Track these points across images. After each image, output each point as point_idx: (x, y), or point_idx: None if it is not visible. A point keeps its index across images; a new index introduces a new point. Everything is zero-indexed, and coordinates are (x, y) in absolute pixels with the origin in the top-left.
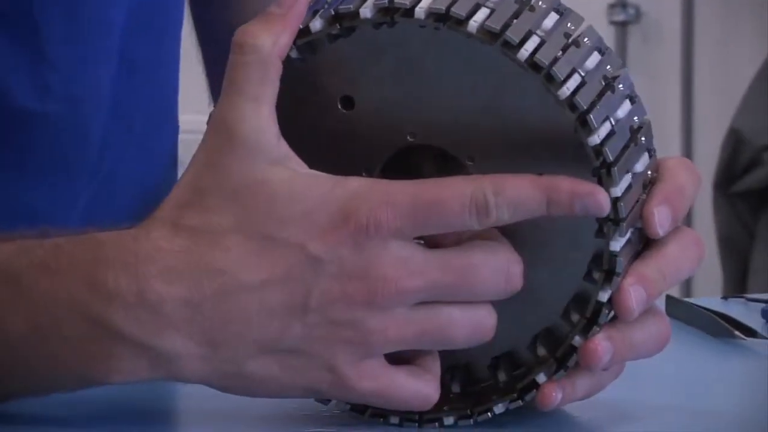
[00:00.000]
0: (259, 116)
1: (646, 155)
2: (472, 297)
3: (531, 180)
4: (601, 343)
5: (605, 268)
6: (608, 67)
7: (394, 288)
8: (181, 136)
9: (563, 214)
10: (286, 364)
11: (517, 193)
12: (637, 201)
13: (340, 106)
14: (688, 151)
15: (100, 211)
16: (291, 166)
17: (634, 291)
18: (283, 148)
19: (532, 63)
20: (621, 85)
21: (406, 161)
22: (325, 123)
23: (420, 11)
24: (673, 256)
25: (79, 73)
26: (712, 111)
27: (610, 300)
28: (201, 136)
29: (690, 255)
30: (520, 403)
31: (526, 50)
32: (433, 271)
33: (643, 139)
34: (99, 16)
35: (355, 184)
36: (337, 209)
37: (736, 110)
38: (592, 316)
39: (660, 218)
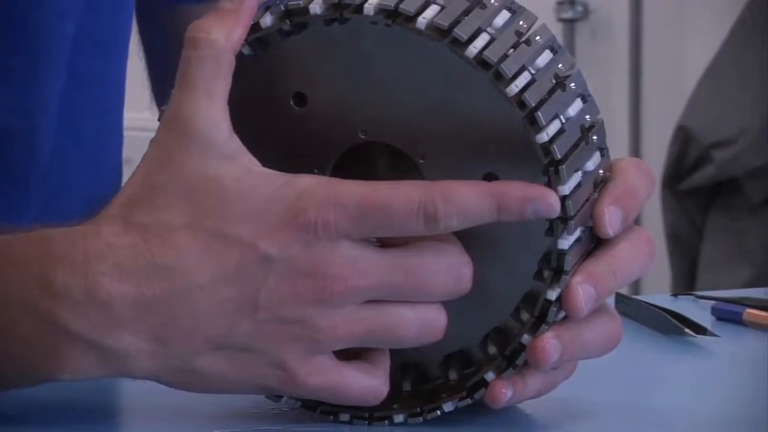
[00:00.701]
0: (212, 112)
1: (597, 154)
2: (421, 297)
3: (481, 187)
4: (550, 342)
5: (554, 266)
6: (560, 65)
7: (343, 286)
8: (125, 133)
9: (515, 219)
10: (235, 360)
11: (466, 202)
12: (588, 200)
13: (292, 103)
14: (636, 149)
15: (50, 221)
16: (243, 163)
17: (582, 289)
18: (236, 144)
19: (480, 60)
20: (573, 84)
21: (360, 158)
22: (278, 120)
23: (369, 8)
24: (624, 256)
25: (29, 85)
26: (660, 108)
27: (559, 299)
28: (145, 134)
29: (641, 254)
30: (469, 401)
31: (475, 47)
32: (382, 271)
33: (594, 137)
34: (48, 29)
35: (305, 182)
36: (287, 208)
37: (684, 108)
38: (540, 314)
39: (610, 218)
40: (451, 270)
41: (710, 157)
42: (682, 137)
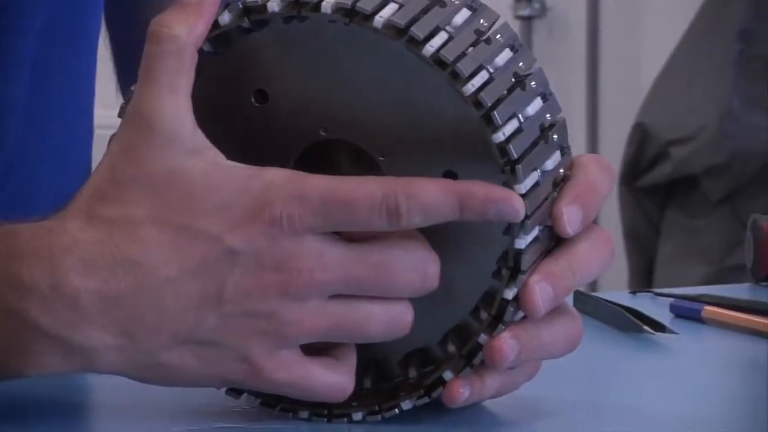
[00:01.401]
0: (176, 106)
1: (557, 153)
2: (387, 293)
3: (444, 185)
4: (507, 342)
5: (511, 265)
6: (520, 64)
7: (308, 280)
8: (98, 132)
9: (477, 219)
10: (201, 354)
11: (429, 198)
12: (546, 198)
13: (253, 100)
14: (593, 146)
15: (14, 218)
16: (208, 157)
17: (539, 288)
18: (200, 138)
19: (437, 59)
20: (533, 83)
21: (321, 156)
22: (239, 117)
23: (327, 6)
24: (583, 254)
25: None
26: (617, 105)
27: (516, 298)
28: (111, 131)
29: (600, 254)
30: (427, 399)
31: (432, 46)
32: (348, 265)
33: (555, 136)
34: (12, 21)
35: (271, 176)
36: (252, 201)
37: (642, 105)
38: (497, 314)
39: (570, 217)
40: (417, 267)
41: (668, 155)
42: (640, 134)
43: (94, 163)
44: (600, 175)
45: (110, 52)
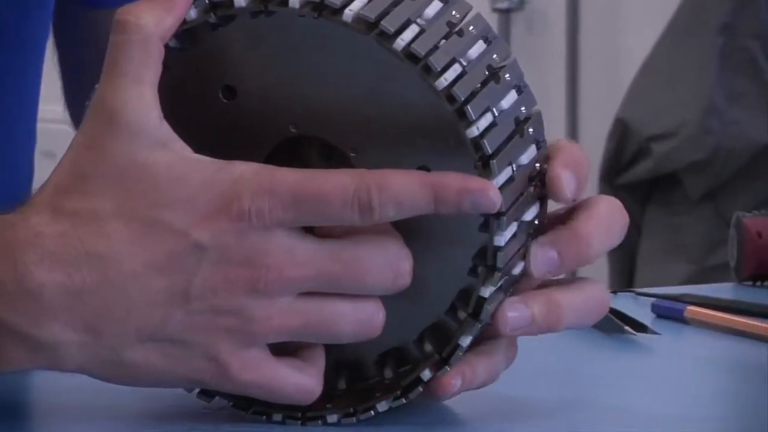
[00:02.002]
0: (142, 98)
1: (533, 147)
2: (359, 290)
3: (418, 177)
4: (515, 305)
5: (488, 263)
6: (494, 56)
7: (278, 276)
8: (42, 126)
9: (451, 211)
10: (167, 352)
11: (402, 191)
12: (522, 194)
13: (221, 96)
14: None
15: None
16: (175, 149)
17: (542, 250)
18: (166, 131)
19: (408, 53)
20: (508, 75)
21: (292, 152)
22: (207, 113)
23: (295, 0)
24: (591, 223)
25: None
26: (597, 101)
27: (493, 296)
28: (63, 126)
29: (612, 221)
30: (403, 401)
31: (403, 40)
32: (319, 261)
33: (530, 130)
34: None
35: (240, 169)
36: (220, 194)
37: (622, 100)
38: (474, 312)
39: (568, 180)
40: (390, 263)
41: (649, 151)
42: (620, 130)
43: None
44: (580, 153)
45: (59, 71)
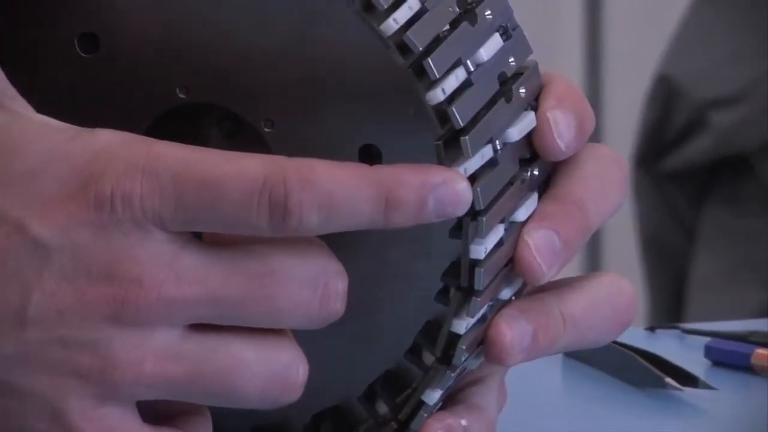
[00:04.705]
0: None
1: (528, 116)
2: (270, 322)
3: (360, 171)
4: (509, 321)
5: (463, 284)
6: None
7: (154, 297)
8: None
9: (409, 221)
10: None
11: (335, 188)
12: (510, 183)
13: (77, 48)
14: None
15: None
16: (12, 109)
17: (535, 238)
18: (1, 86)
19: None
20: (488, 12)
21: (183, 126)
22: (61, 72)
23: None
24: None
25: None
26: (627, 50)
27: (469, 331)
28: None
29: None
30: None
31: None
32: (212, 277)
33: (522, 90)
34: None
35: (104, 138)
36: (73, 171)
37: (666, 50)
38: (443, 354)
39: (557, 123)
40: (314, 282)
41: (706, 122)
42: (664, 92)
43: None
44: (577, 90)
45: None
